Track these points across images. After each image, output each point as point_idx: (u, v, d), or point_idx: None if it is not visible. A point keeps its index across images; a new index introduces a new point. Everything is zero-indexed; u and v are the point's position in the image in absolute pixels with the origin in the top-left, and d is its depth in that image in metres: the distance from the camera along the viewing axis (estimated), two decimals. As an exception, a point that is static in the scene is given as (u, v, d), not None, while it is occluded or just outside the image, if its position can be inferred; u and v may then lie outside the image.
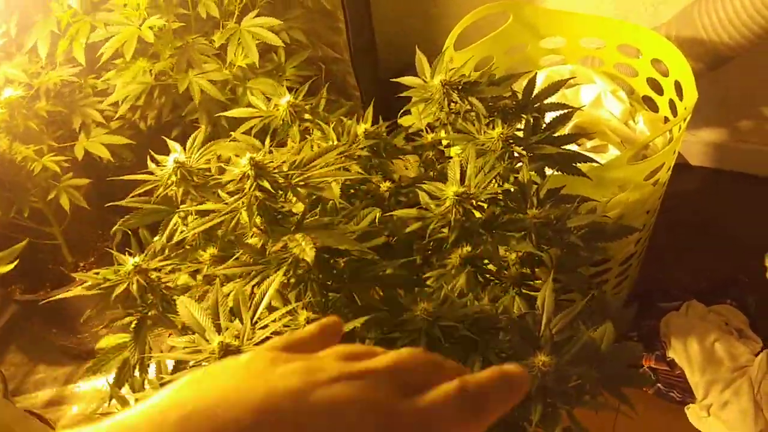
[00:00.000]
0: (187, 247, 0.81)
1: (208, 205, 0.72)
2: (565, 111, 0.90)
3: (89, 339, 1.51)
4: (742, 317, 1.35)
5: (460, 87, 0.87)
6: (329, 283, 0.69)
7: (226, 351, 0.57)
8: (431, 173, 0.93)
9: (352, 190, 0.87)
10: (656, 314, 1.39)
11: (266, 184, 0.68)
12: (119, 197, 0.79)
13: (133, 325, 0.71)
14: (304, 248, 0.66)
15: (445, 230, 0.77)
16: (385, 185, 0.89)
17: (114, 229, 0.77)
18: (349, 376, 0.31)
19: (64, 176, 1.32)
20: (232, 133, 0.94)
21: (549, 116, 0.90)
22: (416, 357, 0.35)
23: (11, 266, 1.15)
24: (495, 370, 0.34)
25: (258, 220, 0.72)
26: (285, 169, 0.72)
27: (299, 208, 0.78)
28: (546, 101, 0.91)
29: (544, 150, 0.84)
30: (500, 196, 0.80)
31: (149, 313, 0.73)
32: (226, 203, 0.71)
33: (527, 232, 0.77)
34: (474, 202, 0.77)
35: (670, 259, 1.48)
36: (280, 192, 0.70)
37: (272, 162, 0.71)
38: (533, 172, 0.86)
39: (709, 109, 1.59)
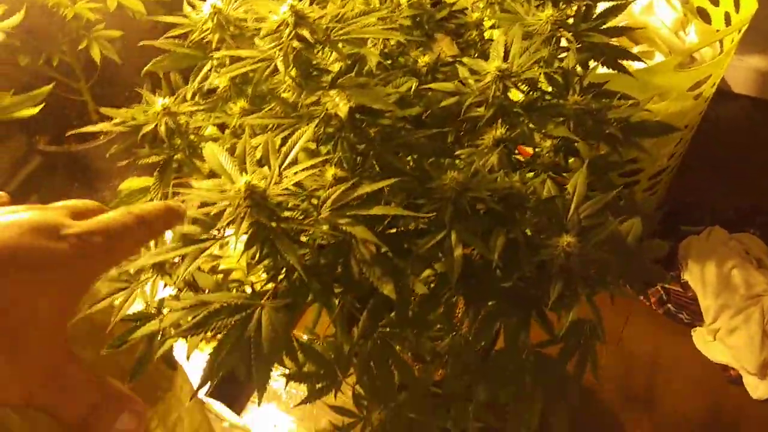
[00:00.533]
0: (217, 97, 0.79)
1: (243, 51, 0.70)
2: (618, 2, 0.86)
3: (109, 198, 1.52)
4: (763, 247, 1.33)
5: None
6: (360, 146, 0.68)
7: (252, 191, 0.56)
8: (472, 53, 0.90)
9: (389, 61, 0.85)
10: (677, 236, 1.38)
11: (306, 33, 0.66)
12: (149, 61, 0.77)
13: (157, 169, 0.70)
14: (338, 104, 0.64)
15: (481, 109, 0.75)
16: (424, 59, 0.86)
17: (145, 69, 0.75)
18: (28, 208, 0.38)
19: (96, 27, 1.29)
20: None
21: (601, 7, 0.86)
22: (90, 202, 0.44)
23: (35, 110, 1.14)
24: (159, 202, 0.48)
25: (293, 72, 0.70)
26: (325, 23, 0.70)
27: (335, 68, 0.76)
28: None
29: (593, 38, 0.81)
30: (542, 80, 0.77)
31: (175, 157, 0.72)
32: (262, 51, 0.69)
33: (566, 118, 0.75)
34: (515, 81, 0.74)
35: (699, 183, 1.45)
36: (318, 45, 0.68)
37: (313, 13, 0.68)
38: (578, 65, 0.84)
39: (762, 33, 1.52)
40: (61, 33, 1.31)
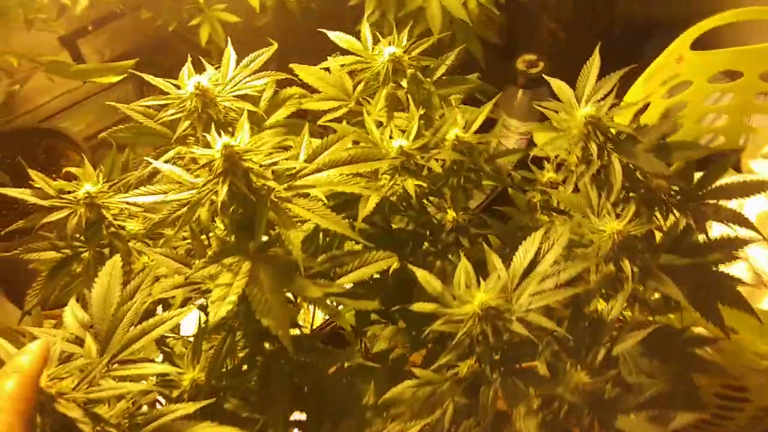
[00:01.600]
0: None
1: (181, 181, 0.55)
2: (742, 236, 0.60)
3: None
4: None
5: (609, 135, 0.60)
6: (255, 343, 0.52)
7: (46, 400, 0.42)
8: (523, 224, 0.69)
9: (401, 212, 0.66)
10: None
11: (237, 183, 0.50)
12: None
13: (50, 266, 0.58)
14: (227, 295, 0.48)
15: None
16: (450, 214, 0.67)
17: (100, 136, 0.63)
18: None
19: (213, 6, 1.19)
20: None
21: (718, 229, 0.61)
22: None
23: (116, 78, 1.08)
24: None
25: (220, 224, 0.55)
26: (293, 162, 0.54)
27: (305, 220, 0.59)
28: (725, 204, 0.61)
29: (664, 287, 0.56)
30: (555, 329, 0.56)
31: (83, 255, 0.60)
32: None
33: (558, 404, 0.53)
34: (515, 318, 0.53)
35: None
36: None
37: (269, 155, 0.51)
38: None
39: None
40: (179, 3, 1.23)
